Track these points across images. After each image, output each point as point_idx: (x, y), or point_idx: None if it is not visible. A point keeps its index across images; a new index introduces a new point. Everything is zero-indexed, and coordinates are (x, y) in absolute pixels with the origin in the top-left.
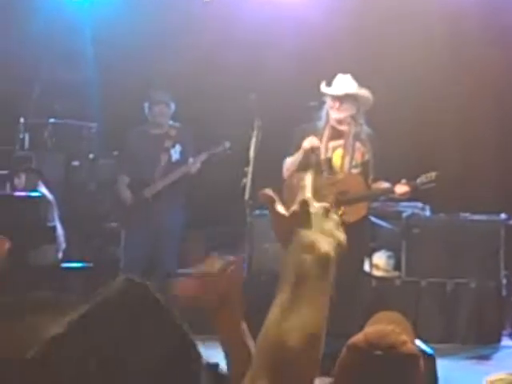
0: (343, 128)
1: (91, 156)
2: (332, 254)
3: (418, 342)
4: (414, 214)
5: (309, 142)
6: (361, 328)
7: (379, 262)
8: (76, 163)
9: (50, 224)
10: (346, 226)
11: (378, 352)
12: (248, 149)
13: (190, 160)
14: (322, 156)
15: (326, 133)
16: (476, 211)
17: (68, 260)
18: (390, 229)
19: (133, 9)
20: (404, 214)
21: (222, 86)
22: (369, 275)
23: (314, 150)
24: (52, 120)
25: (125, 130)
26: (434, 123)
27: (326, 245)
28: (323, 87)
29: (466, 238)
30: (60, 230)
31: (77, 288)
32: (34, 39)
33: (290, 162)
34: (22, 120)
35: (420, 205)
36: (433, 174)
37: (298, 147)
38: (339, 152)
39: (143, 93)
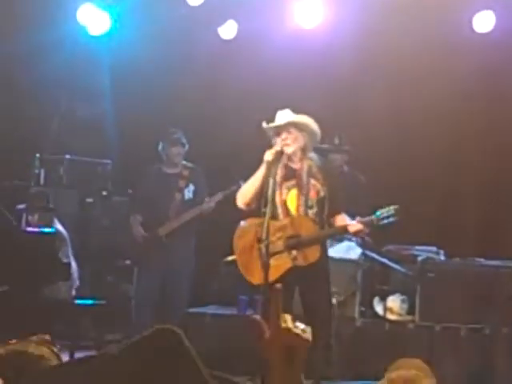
0: (296, 166)
1: (105, 193)
2: None
3: None
4: (429, 258)
5: (269, 154)
6: (376, 372)
7: (393, 305)
8: (90, 200)
9: (65, 260)
10: (301, 270)
11: None
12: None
13: (206, 199)
14: (278, 198)
15: (279, 173)
16: (491, 256)
17: (80, 296)
18: (405, 272)
19: (152, 46)
20: (419, 258)
21: (240, 123)
22: (382, 318)
23: (277, 157)
24: (68, 156)
25: (139, 168)
26: (453, 164)
27: None
28: (264, 124)
29: (481, 283)
30: (74, 267)
31: (89, 324)
32: (55, 73)
33: (249, 184)
34: (37, 156)
35: (434, 249)
36: (391, 208)
37: None
38: (294, 192)
39: (158, 130)
